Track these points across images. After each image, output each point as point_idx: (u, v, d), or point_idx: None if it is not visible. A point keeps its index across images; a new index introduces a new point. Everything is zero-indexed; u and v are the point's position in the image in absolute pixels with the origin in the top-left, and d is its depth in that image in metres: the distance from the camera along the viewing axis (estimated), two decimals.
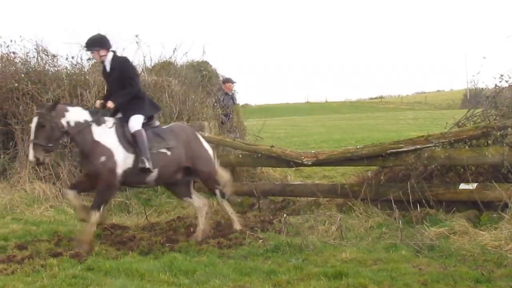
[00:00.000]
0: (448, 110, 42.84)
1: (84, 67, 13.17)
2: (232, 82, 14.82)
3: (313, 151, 10.07)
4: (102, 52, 8.25)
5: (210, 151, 8.83)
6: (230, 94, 14.52)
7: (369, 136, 20.53)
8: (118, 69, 8.25)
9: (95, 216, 7.74)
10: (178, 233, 8.66)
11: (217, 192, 8.70)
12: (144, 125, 8.17)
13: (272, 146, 10.39)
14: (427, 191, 8.65)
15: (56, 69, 13.06)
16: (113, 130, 7.96)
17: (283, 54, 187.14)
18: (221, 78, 19.44)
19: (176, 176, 8.46)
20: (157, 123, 8.66)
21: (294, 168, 11.26)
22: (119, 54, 8.63)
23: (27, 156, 8.20)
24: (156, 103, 9.56)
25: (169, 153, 8.24)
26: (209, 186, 8.79)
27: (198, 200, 8.71)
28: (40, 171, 11.15)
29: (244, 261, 7.01)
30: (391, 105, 79.44)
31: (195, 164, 8.50)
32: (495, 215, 7.92)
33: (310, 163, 9.79)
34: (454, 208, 8.37)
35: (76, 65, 13.06)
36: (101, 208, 7.83)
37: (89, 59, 13.21)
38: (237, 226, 8.60)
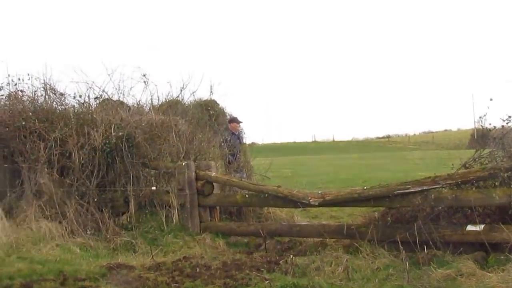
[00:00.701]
0: (455, 150, 42.83)
1: (91, 105, 13.26)
2: (238, 122, 14.90)
3: (320, 192, 10.03)
4: None
5: None
6: (237, 133, 14.57)
7: (376, 176, 20.56)
8: None
9: None
10: (184, 273, 8.61)
11: None
12: None
13: (279, 186, 10.37)
14: (434, 232, 8.58)
15: (63, 107, 13.16)
16: None
17: (290, 93, 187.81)
18: (228, 117, 19.57)
19: None
20: None
21: (301, 209, 11.24)
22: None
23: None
24: None
25: None
26: None
27: None
28: (46, 209, 11.17)
29: None
30: (398, 144, 79.72)
31: None
32: (502, 257, 7.83)
33: (317, 204, 9.75)
34: (461, 250, 8.31)
35: (83, 103, 13.16)
36: None
37: (96, 98, 13.33)
38: None
